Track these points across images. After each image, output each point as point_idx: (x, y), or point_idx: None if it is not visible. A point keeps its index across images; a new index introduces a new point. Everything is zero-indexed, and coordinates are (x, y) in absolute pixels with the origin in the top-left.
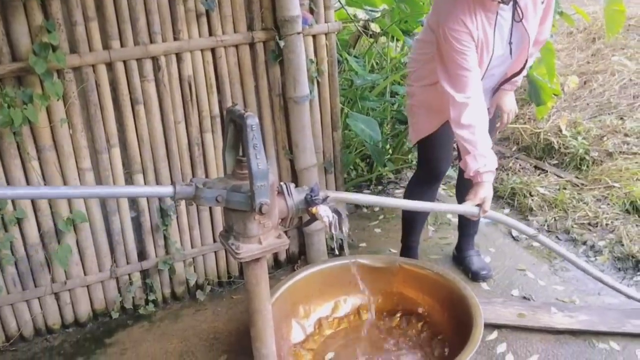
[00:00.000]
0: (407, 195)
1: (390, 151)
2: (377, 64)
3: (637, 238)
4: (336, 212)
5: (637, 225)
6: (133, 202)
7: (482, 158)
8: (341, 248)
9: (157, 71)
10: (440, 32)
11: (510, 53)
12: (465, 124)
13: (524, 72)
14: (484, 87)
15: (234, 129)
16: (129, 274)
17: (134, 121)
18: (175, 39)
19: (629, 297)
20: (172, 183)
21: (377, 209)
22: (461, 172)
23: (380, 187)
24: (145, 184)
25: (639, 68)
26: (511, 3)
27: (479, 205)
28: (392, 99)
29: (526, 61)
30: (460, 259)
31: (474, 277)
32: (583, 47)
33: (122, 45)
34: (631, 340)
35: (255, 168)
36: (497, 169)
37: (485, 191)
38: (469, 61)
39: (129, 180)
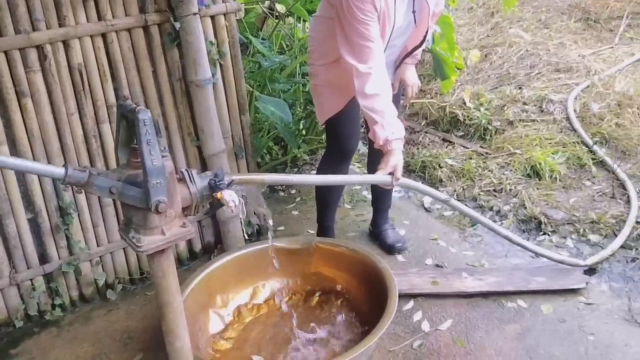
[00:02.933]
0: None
1: (304, 132)
2: (286, 45)
3: (538, 200)
4: (244, 197)
5: (537, 189)
6: (28, 203)
7: (389, 126)
8: (258, 233)
9: (44, 60)
10: (343, 3)
11: (415, 21)
12: (370, 93)
13: (424, 45)
14: (387, 59)
15: (126, 124)
16: (31, 279)
17: (21, 115)
18: (60, 25)
19: (535, 253)
20: (65, 165)
21: (293, 191)
22: (371, 147)
23: (295, 169)
24: (39, 182)
25: (534, 39)
26: None
27: (391, 174)
28: (303, 79)
29: (426, 33)
30: (376, 233)
31: (390, 250)
32: (483, 22)
33: (1, 35)
34: (536, 297)
35: (150, 165)
36: (408, 143)
37: (395, 159)
38: (371, 32)
39: (22, 179)
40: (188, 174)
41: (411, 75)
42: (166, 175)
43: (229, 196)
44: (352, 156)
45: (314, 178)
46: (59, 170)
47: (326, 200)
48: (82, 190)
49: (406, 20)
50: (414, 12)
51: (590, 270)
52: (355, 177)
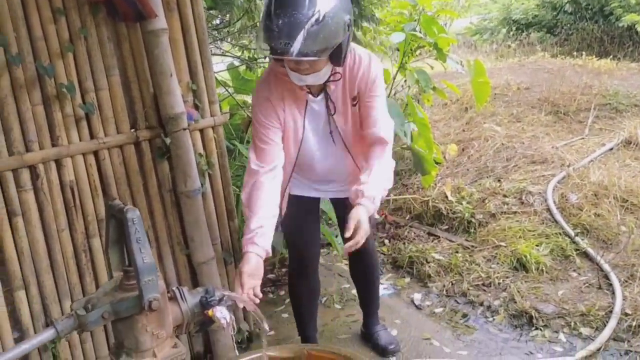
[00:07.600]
0: (290, 290)
1: None
2: None
3: (527, 294)
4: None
5: (525, 281)
6: (16, 321)
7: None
8: (249, 340)
9: (36, 180)
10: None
11: (334, 142)
12: (251, 198)
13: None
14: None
15: (115, 224)
16: None
17: (12, 234)
18: (53, 145)
19: None
20: (52, 323)
21: (282, 292)
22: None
23: (284, 270)
24: (27, 300)
25: (508, 132)
26: (322, 96)
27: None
28: None
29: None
30: (367, 335)
31: (383, 352)
32: (458, 117)
33: None
34: None
35: (141, 262)
36: (394, 238)
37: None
38: (270, 135)
39: (10, 297)
40: (179, 292)
41: (356, 214)
42: (157, 272)
43: (220, 313)
44: (316, 264)
45: None
46: (50, 332)
47: (300, 311)
48: (82, 331)
49: (327, 140)
50: (330, 132)
51: None
52: None
